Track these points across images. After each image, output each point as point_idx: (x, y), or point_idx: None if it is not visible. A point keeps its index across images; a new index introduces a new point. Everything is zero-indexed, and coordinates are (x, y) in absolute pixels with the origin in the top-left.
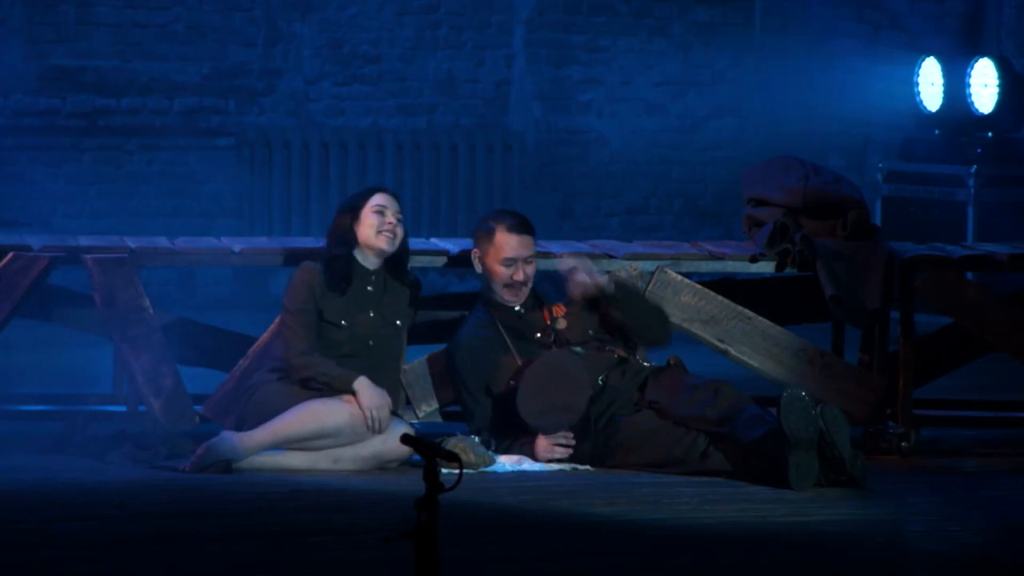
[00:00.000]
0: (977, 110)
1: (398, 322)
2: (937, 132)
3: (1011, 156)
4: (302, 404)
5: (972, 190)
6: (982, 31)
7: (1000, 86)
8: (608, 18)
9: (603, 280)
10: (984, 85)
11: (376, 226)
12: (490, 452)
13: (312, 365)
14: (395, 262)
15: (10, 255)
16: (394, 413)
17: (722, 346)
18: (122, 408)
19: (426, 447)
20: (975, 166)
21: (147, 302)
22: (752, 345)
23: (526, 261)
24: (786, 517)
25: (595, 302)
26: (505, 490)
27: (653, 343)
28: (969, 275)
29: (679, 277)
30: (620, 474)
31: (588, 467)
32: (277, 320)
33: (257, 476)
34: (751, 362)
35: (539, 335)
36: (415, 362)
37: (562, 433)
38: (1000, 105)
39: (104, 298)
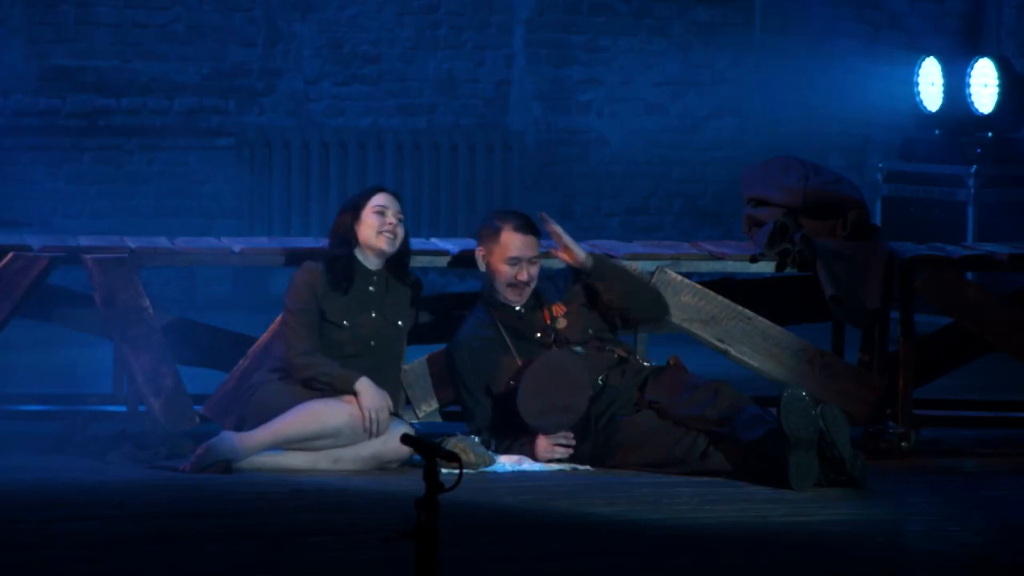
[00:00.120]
0: (977, 110)
1: (400, 322)
2: (937, 132)
3: (1011, 156)
4: (302, 404)
5: (972, 190)
6: (982, 31)
7: (1000, 86)
8: (608, 18)
9: (583, 255)
10: (984, 85)
11: (377, 227)
12: (490, 452)
13: (314, 365)
14: (396, 262)
15: (10, 255)
16: (394, 413)
17: (722, 346)
18: (122, 408)
19: (426, 447)
20: (975, 166)
21: (147, 302)
22: (752, 345)
23: (531, 261)
24: (786, 517)
25: (592, 291)
26: (505, 490)
27: (652, 318)
28: (969, 275)
29: (679, 277)
30: (620, 474)
31: (588, 467)
32: (277, 320)
33: (257, 476)
34: (751, 362)
35: (539, 335)
36: (415, 362)
37: (562, 433)
38: (1000, 105)
39: (104, 298)
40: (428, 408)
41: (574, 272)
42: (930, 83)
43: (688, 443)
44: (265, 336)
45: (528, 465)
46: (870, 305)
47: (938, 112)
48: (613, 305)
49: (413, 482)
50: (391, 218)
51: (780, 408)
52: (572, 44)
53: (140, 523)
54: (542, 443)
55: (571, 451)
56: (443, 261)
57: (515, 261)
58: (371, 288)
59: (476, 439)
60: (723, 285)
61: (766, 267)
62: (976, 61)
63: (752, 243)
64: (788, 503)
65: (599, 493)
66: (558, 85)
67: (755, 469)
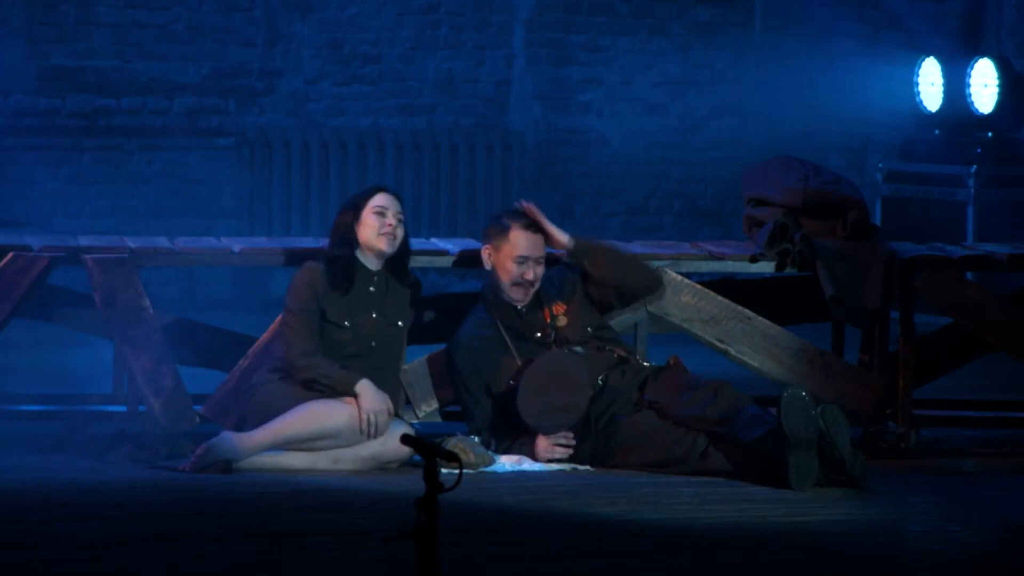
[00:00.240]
0: (977, 110)
1: (400, 323)
2: (937, 132)
3: (1011, 156)
4: (302, 405)
5: (972, 190)
6: (982, 31)
7: (1000, 86)
8: (608, 18)
9: (566, 237)
10: (984, 85)
11: (377, 227)
12: (490, 452)
13: (314, 367)
14: (396, 263)
15: (10, 255)
16: (394, 414)
17: (722, 346)
18: (122, 408)
19: (426, 447)
20: (975, 166)
21: (147, 302)
22: (752, 345)
23: (537, 261)
24: (786, 517)
25: (586, 278)
26: (505, 490)
27: (647, 287)
28: (969, 275)
29: (679, 277)
30: (620, 474)
31: (588, 467)
32: (277, 320)
33: (257, 476)
34: (751, 362)
35: (539, 335)
36: (415, 362)
37: (562, 433)
38: (1000, 105)
39: (104, 298)
40: (428, 408)
41: (567, 267)
42: (930, 83)
43: (688, 443)
44: (265, 336)
45: (528, 465)
46: (870, 305)
47: (938, 112)
48: (607, 283)
49: (413, 482)
50: (391, 219)
51: (780, 408)
52: (572, 44)
53: (140, 523)
54: (542, 443)
55: (571, 451)
56: (443, 261)
57: (523, 260)
58: (371, 288)
59: (476, 439)
60: (723, 285)
61: (766, 267)
62: (976, 61)
63: (752, 243)
64: (788, 503)
65: (599, 493)
66: (558, 85)
67: (755, 469)
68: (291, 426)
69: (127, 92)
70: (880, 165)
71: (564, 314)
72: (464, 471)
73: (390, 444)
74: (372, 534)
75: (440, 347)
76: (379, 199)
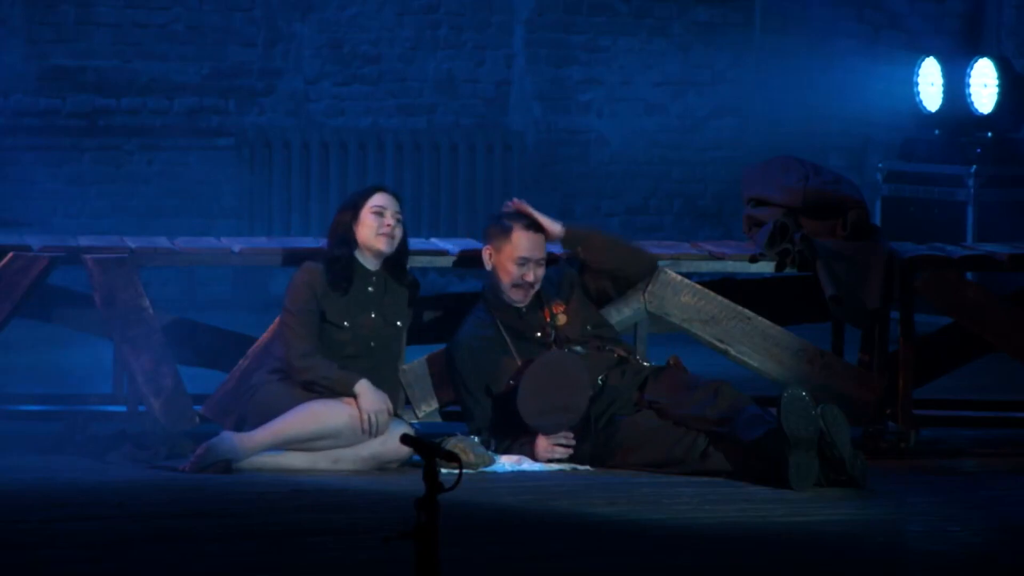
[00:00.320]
0: (977, 110)
1: (398, 323)
2: (937, 132)
3: (1011, 156)
4: (302, 405)
5: (972, 190)
6: (982, 31)
7: (1000, 86)
8: (608, 18)
9: (557, 227)
10: (984, 85)
11: (375, 228)
12: (490, 452)
13: (313, 368)
14: (394, 262)
15: (10, 255)
16: (394, 414)
17: (722, 346)
18: (122, 408)
19: (426, 447)
20: (975, 166)
21: (147, 302)
22: (752, 345)
23: (538, 263)
24: (786, 517)
25: (582, 269)
26: (505, 490)
27: (642, 269)
28: (969, 275)
29: (679, 277)
30: (620, 474)
31: (588, 467)
32: (277, 320)
33: (257, 476)
34: (751, 362)
35: (539, 335)
36: (415, 362)
37: (562, 433)
38: (1000, 105)
39: (104, 298)
40: (428, 408)
41: (565, 264)
42: (930, 83)
43: (688, 443)
44: (265, 336)
45: (528, 465)
46: (870, 305)
47: (938, 112)
48: (603, 267)
49: (413, 482)
50: (389, 219)
51: (780, 408)
52: (572, 44)
53: (140, 523)
54: (542, 443)
55: (571, 451)
56: (443, 261)
57: (524, 261)
58: (370, 288)
59: (476, 439)
60: (723, 285)
61: (766, 267)
62: (976, 61)
63: (752, 243)
64: (788, 503)
65: (599, 493)
66: (558, 85)
67: (755, 469)
68: (291, 426)
69: (127, 92)
70: (880, 165)
71: (563, 312)
72: (464, 471)
73: (390, 444)
74: (372, 534)
75: (440, 347)
76: (377, 199)
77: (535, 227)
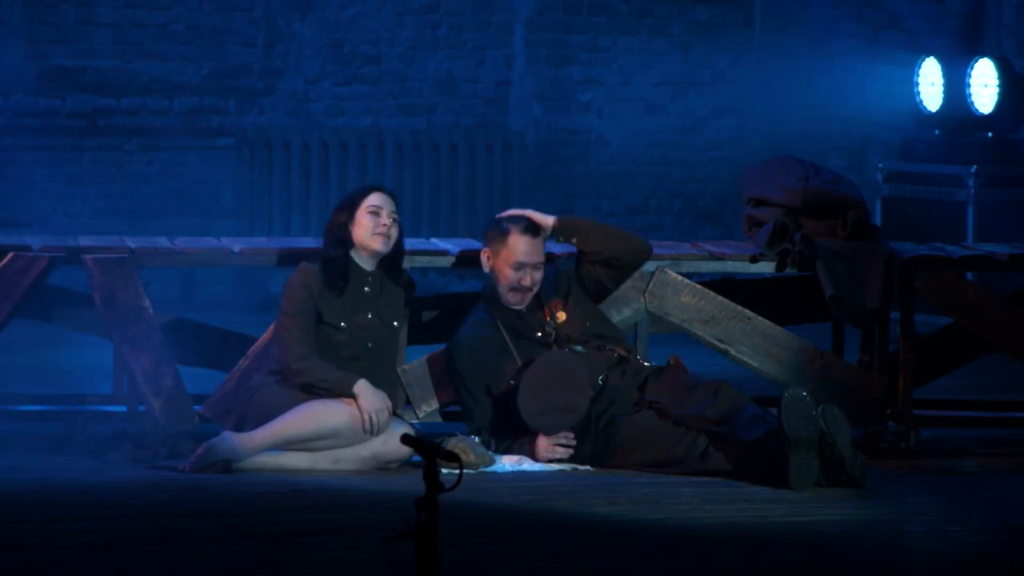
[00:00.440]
0: (977, 110)
1: (395, 323)
2: (937, 132)
3: (1011, 156)
4: (302, 405)
5: (972, 190)
6: (982, 31)
7: (1000, 86)
8: (608, 18)
9: (550, 219)
10: (984, 85)
11: (371, 227)
12: (490, 452)
13: (311, 370)
14: (390, 262)
15: (10, 255)
16: (394, 413)
17: (722, 346)
18: (122, 408)
19: (426, 447)
20: (975, 166)
21: (147, 302)
22: (752, 345)
23: (535, 267)
24: (786, 517)
25: (579, 260)
26: (505, 490)
27: (638, 255)
28: (969, 275)
29: (679, 277)
30: (620, 474)
31: (588, 467)
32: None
33: (257, 476)
34: (751, 362)
35: (539, 335)
36: (415, 362)
37: (563, 433)
38: (1000, 105)
39: (104, 298)
40: (428, 408)
41: (563, 262)
42: (930, 83)
43: (688, 443)
44: (265, 336)
45: (528, 465)
46: (870, 305)
47: (938, 112)
48: (599, 255)
49: (413, 482)
50: (385, 219)
51: (781, 408)
52: (572, 44)
53: (140, 523)
54: (542, 443)
55: (572, 451)
56: (443, 261)
57: (520, 266)
58: (366, 289)
59: (476, 439)
60: (723, 285)
61: (766, 267)
62: (976, 61)
63: (752, 243)
64: (788, 503)
65: (599, 493)
66: (558, 85)
67: (755, 469)
68: (291, 426)
69: (127, 92)
70: (880, 165)
71: (562, 310)
72: (464, 471)
73: (391, 443)
74: (372, 534)
75: (440, 347)
76: (373, 199)
77: (533, 231)
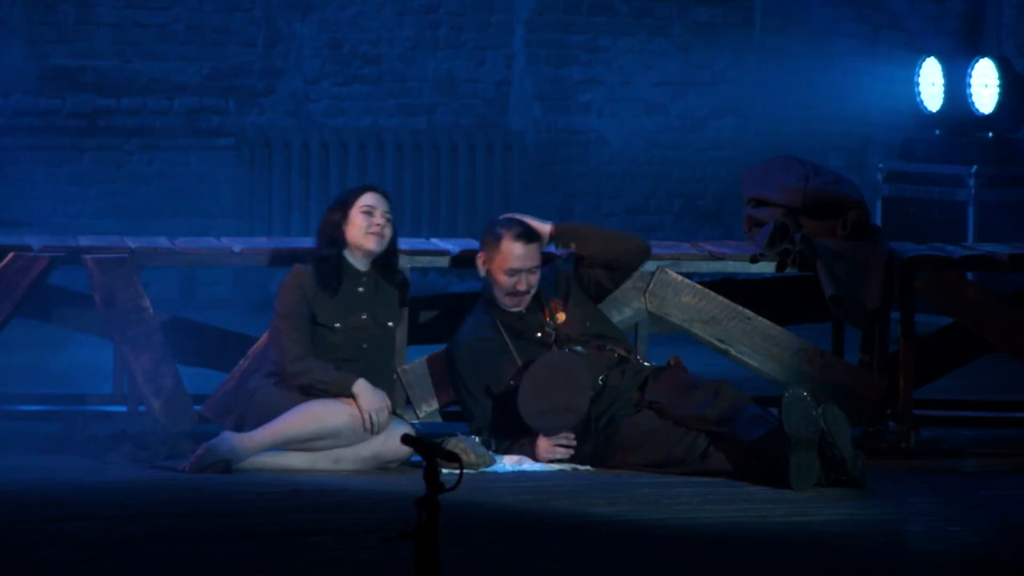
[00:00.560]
0: (977, 110)
1: (390, 323)
2: (937, 132)
3: (1011, 156)
4: (302, 405)
5: (972, 190)
6: (982, 31)
7: (1000, 86)
8: (608, 18)
9: (547, 225)
10: (984, 85)
11: (364, 227)
12: (490, 452)
13: (309, 371)
14: (384, 262)
15: (10, 255)
16: (394, 413)
17: (722, 346)
18: (122, 408)
19: (426, 447)
20: (975, 166)
21: (147, 302)
22: (752, 345)
23: (530, 272)
24: (786, 517)
25: (578, 263)
26: (505, 490)
27: (637, 255)
28: (969, 275)
29: (679, 277)
30: (620, 474)
31: (588, 467)
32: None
33: (257, 476)
34: (751, 362)
35: (539, 335)
36: (415, 362)
37: (563, 434)
38: (1000, 105)
39: (104, 298)
40: (428, 408)
41: (562, 262)
42: (930, 83)
43: (688, 443)
44: (265, 336)
45: (528, 465)
46: (870, 305)
47: (938, 112)
48: (598, 258)
49: (413, 482)
50: (379, 218)
51: (781, 408)
52: (572, 44)
53: (140, 523)
54: (543, 444)
55: (572, 451)
56: (443, 261)
57: (514, 272)
58: (360, 289)
59: (476, 439)
60: (723, 285)
61: (766, 267)
62: (976, 61)
63: (752, 243)
64: (788, 503)
65: (599, 493)
66: (558, 85)
67: (755, 469)
68: (291, 426)
69: (127, 92)
70: (880, 165)
71: (562, 310)
72: (464, 471)
73: (391, 443)
74: (372, 534)
75: (440, 347)
76: (367, 198)
77: (527, 237)
